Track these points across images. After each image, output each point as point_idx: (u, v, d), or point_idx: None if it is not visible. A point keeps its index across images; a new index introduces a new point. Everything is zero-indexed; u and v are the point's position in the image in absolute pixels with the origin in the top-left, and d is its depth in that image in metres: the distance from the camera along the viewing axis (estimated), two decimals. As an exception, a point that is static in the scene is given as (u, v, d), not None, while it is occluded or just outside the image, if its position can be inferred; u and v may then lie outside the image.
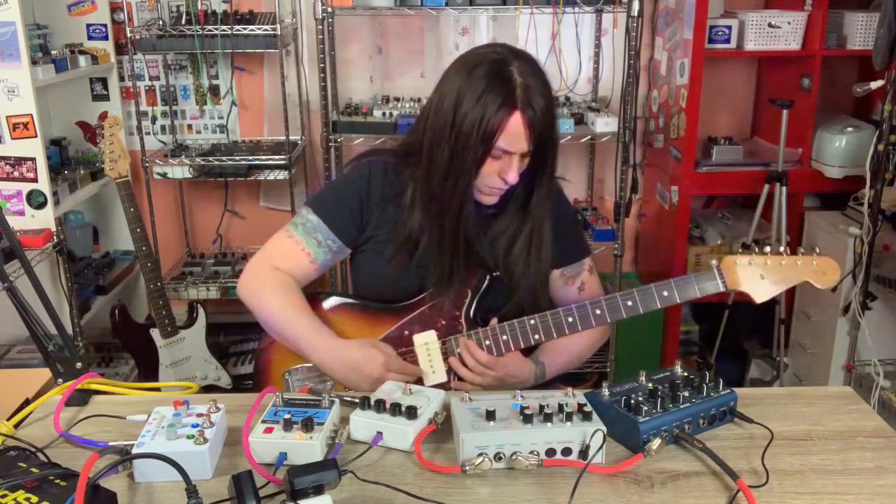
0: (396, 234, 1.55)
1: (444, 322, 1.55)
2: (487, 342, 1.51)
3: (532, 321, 1.49)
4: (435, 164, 1.48)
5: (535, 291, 1.60)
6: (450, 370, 1.53)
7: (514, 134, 1.40)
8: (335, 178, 1.67)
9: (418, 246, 1.54)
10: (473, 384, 1.50)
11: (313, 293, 1.67)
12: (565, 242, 1.64)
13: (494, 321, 1.53)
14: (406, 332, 1.55)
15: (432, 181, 1.49)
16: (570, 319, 1.47)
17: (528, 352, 1.57)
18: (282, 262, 1.59)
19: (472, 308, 1.56)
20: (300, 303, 1.55)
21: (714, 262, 1.44)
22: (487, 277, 1.56)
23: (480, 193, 1.51)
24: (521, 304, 1.59)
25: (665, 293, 1.43)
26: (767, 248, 1.41)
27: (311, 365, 1.54)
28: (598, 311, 1.46)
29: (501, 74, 1.41)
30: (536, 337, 1.49)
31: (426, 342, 1.53)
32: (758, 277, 1.40)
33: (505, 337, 1.50)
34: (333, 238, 1.58)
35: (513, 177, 1.45)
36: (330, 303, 1.62)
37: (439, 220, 1.51)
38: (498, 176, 1.46)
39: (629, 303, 1.44)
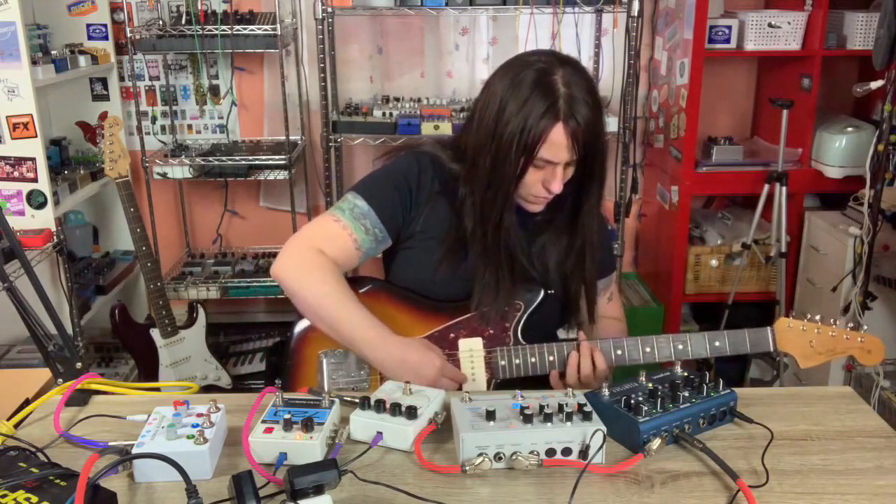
0: (447, 236, 1.53)
1: (491, 331, 1.52)
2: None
3: (647, 346, 1.48)
4: (478, 170, 1.46)
5: (594, 303, 1.61)
6: (491, 379, 1.51)
7: (557, 145, 1.39)
8: (382, 165, 1.61)
9: (467, 252, 1.52)
10: (568, 383, 1.48)
11: (355, 277, 1.62)
12: (603, 253, 1.65)
13: (581, 335, 1.52)
14: (452, 335, 1.52)
15: (475, 188, 1.48)
16: (648, 350, 1.49)
17: None
18: (328, 245, 1.49)
19: (523, 322, 1.53)
20: (350, 292, 1.47)
21: (769, 328, 1.48)
22: (542, 293, 1.54)
23: (525, 202, 1.50)
24: (571, 317, 1.60)
25: (717, 343, 1.47)
26: (818, 317, 1.45)
27: (347, 350, 1.51)
28: (679, 346, 1.48)
29: (545, 83, 1.38)
30: (648, 350, 1.49)
31: (471, 349, 1.51)
32: (807, 345, 1.45)
33: (619, 351, 1.49)
34: (381, 227, 1.52)
35: (557, 186, 1.43)
36: (376, 290, 1.57)
37: (483, 229, 1.49)
38: (542, 185, 1.45)
39: (679, 346, 1.48)
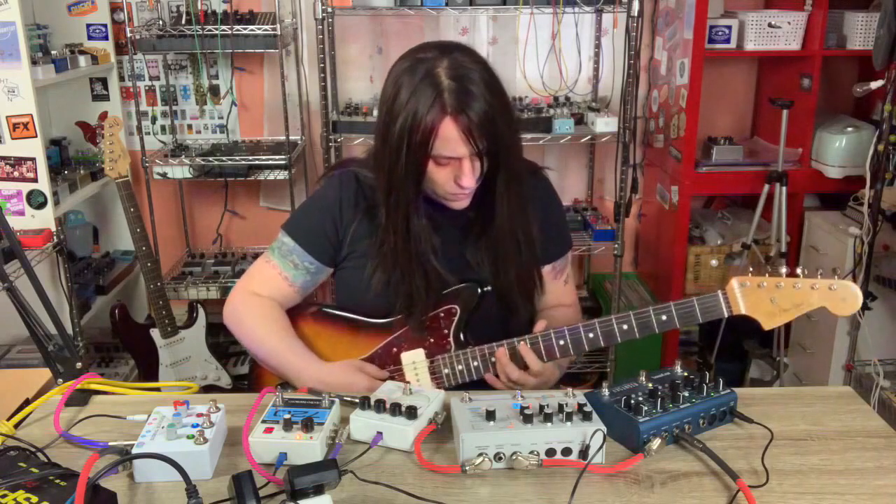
0: (372, 250, 1.51)
1: (431, 340, 1.51)
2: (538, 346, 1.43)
3: (591, 333, 1.38)
4: (380, 177, 1.44)
5: (531, 295, 1.57)
6: (439, 388, 1.48)
7: (449, 139, 1.33)
8: (308, 196, 1.62)
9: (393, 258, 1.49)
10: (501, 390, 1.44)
11: (302, 304, 1.64)
12: (554, 236, 1.61)
13: (541, 326, 1.43)
14: (394, 350, 1.52)
15: (382, 195, 1.45)
16: (625, 327, 1.37)
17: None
18: (261, 288, 1.58)
19: (463, 326, 1.50)
20: (282, 328, 1.54)
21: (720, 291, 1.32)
22: (478, 292, 1.50)
23: (446, 200, 1.45)
24: (520, 311, 1.55)
25: (664, 318, 1.34)
26: (783, 270, 1.27)
27: None
28: (624, 327, 1.37)
29: (429, 76, 1.33)
30: (591, 336, 1.39)
31: (414, 361, 1.51)
32: (768, 302, 1.28)
33: (562, 342, 1.40)
34: (310, 260, 1.55)
35: (467, 181, 1.37)
36: (318, 316, 1.59)
37: (393, 237, 1.45)
38: (454, 182, 1.40)
39: (625, 327, 1.37)
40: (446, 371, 1.49)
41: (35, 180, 2.62)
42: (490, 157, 1.39)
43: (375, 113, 3.05)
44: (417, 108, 1.32)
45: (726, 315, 1.32)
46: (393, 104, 1.37)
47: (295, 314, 1.59)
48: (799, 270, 1.28)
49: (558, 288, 1.65)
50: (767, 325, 1.30)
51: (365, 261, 1.53)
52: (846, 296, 1.26)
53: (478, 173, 1.41)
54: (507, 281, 1.51)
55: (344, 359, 1.51)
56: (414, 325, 1.51)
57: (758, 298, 1.29)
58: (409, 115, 1.33)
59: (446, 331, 1.51)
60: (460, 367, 1.48)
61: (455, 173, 1.39)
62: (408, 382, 1.42)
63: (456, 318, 1.50)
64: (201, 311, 2.96)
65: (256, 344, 1.55)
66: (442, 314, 1.51)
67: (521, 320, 1.58)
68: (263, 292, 1.57)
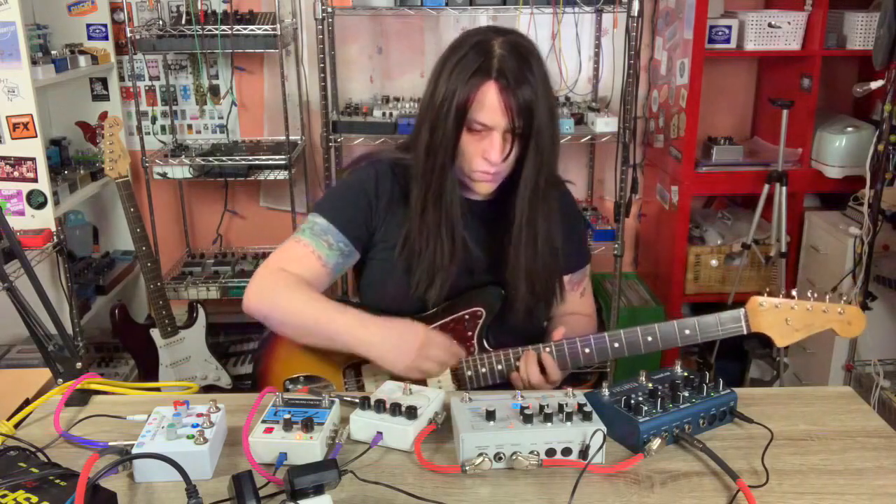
0: (404, 234, 1.48)
1: (455, 342, 1.48)
2: (548, 352, 1.43)
3: (615, 341, 1.41)
4: (419, 142, 1.42)
5: (551, 302, 1.56)
6: (458, 389, 1.48)
7: (488, 105, 1.33)
8: (339, 181, 1.57)
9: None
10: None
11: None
12: (574, 249, 1.60)
13: (560, 334, 1.44)
14: None
15: (418, 163, 1.43)
16: (616, 345, 1.41)
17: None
18: (291, 265, 1.47)
19: (486, 329, 1.49)
20: (321, 296, 1.44)
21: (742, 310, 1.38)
22: (503, 296, 1.49)
23: (470, 179, 1.44)
24: (539, 317, 1.55)
25: (687, 332, 1.39)
26: (794, 291, 1.37)
27: (312, 375, 1.50)
28: (615, 345, 1.41)
29: (480, 46, 1.35)
30: (617, 345, 1.41)
31: None
32: (783, 322, 1.36)
33: (588, 350, 1.42)
34: (345, 241, 1.49)
35: (494, 155, 1.36)
36: None
37: (423, 203, 1.43)
38: (482, 157, 1.38)
39: (649, 338, 1.41)
40: (469, 374, 1.47)
41: (35, 180, 2.62)
42: (523, 143, 1.38)
43: (377, 112, 3.10)
44: (463, 71, 1.34)
45: (745, 332, 1.39)
46: (441, 68, 1.38)
47: None
48: (810, 293, 1.37)
49: (574, 299, 1.64)
50: (781, 343, 1.38)
51: (390, 253, 1.50)
52: (852, 320, 1.35)
53: (507, 153, 1.38)
54: (539, 284, 1.50)
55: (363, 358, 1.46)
56: (451, 322, 1.48)
57: (774, 318, 1.37)
58: (454, 77, 1.35)
59: (470, 333, 1.49)
60: (483, 369, 1.47)
61: (484, 148, 1.38)
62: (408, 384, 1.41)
63: (481, 321, 1.49)
64: (201, 311, 2.96)
65: (292, 311, 1.43)
66: (467, 316, 1.49)
67: (538, 326, 1.59)
68: (294, 270, 1.46)
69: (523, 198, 1.43)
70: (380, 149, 1.64)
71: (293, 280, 1.45)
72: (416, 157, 1.45)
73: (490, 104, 1.34)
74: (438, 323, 1.49)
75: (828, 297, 1.36)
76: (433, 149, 1.40)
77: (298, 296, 1.43)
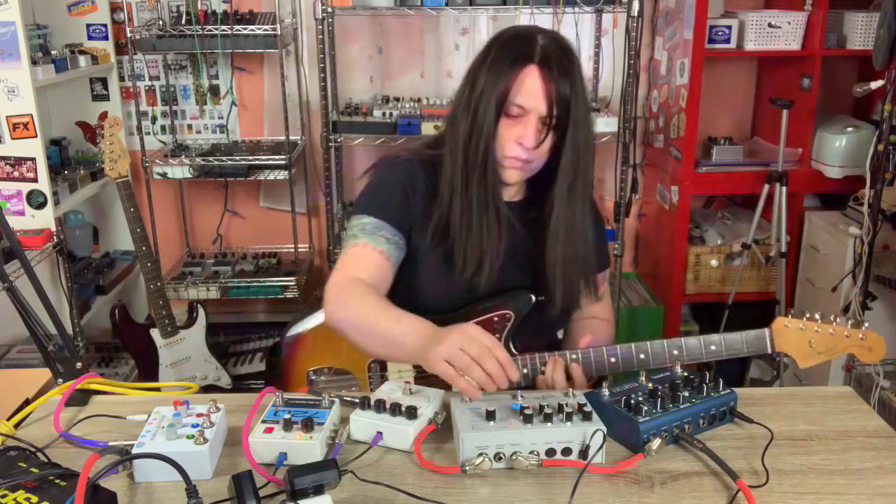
0: (439, 231, 1.46)
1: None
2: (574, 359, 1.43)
3: (612, 357, 1.42)
4: (457, 133, 1.42)
5: (577, 303, 1.55)
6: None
7: (528, 87, 1.34)
8: (373, 180, 1.54)
9: (449, 232, 1.44)
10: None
11: None
12: (597, 251, 1.59)
13: (586, 341, 1.44)
14: None
15: (456, 148, 1.42)
16: (642, 356, 1.42)
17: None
18: (360, 269, 1.42)
19: (514, 332, 1.49)
20: (390, 304, 1.37)
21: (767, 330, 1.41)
22: (532, 300, 1.49)
23: (501, 167, 1.43)
24: (565, 320, 1.56)
25: (713, 347, 1.41)
26: (818, 316, 1.39)
27: (337, 367, 1.49)
28: (642, 355, 1.41)
29: (522, 37, 1.38)
30: (643, 356, 1.42)
31: None
32: (806, 344, 1.39)
33: (613, 359, 1.42)
34: (398, 234, 1.46)
35: (529, 140, 1.36)
36: None
37: (467, 189, 1.42)
38: (515, 142, 1.38)
39: (675, 351, 1.42)
40: (544, 369, 1.45)
41: (35, 180, 2.62)
42: (557, 134, 1.38)
43: (377, 112, 3.10)
44: (506, 57, 1.36)
45: (769, 351, 1.41)
46: (482, 62, 1.39)
47: None
48: (833, 317, 1.40)
49: (590, 302, 1.64)
50: (802, 365, 1.40)
51: (424, 252, 1.48)
52: (873, 346, 1.38)
53: (541, 140, 1.38)
54: (568, 283, 1.49)
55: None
56: (483, 282, 1.44)
57: (798, 339, 1.40)
58: (495, 66, 1.36)
59: (498, 335, 1.48)
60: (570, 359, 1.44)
61: (519, 133, 1.37)
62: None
63: (509, 324, 1.48)
64: (201, 311, 2.96)
65: (360, 317, 1.35)
66: (496, 318, 1.48)
67: (562, 328, 1.61)
68: (364, 274, 1.41)
69: (561, 190, 1.43)
70: (399, 150, 1.59)
71: (366, 288, 1.39)
72: (452, 143, 1.43)
73: (530, 87, 1.35)
74: (468, 323, 1.47)
75: (850, 322, 1.39)
76: (475, 132, 1.39)
77: (368, 299, 1.37)
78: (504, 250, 1.46)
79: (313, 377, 1.50)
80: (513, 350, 1.49)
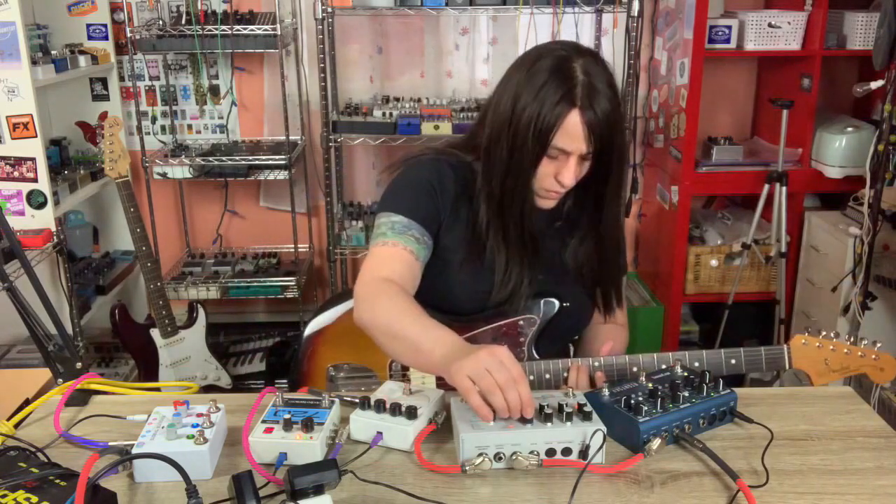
0: (467, 237, 1.47)
1: (506, 347, 1.45)
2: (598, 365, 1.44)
3: (663, 362, 1.42)
4: (494, 161, 1.42)
5: (610, 304, 1.58)
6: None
7: (572, 133, 1.34)
8: (399, 178, 1.53)
9: (486, 247, 1.47)
10: None
11: None
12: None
13: (608, 348, 1.46)
14: None
15: (492, 180, 1.43)
16: (697, 364, 1.43)
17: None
18: (387, 269, 1.40)
19: (538, 336, 1.50)
20: (420, 309, 1.34)
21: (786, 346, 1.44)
22: (557, 305, 1.50)
23: (537, 196, 1.45)
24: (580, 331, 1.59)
25: (733, 361, 1.42)
26: (833, 334, 1.42)
27: (357, 365, 1.49)
28: (696, 364, 1.42)
29: (563, 70, 1.34)
30: (634, 370, 1.43)
31: None
32: (822, 362, 1.42)
33: (635, 368, 1.43)
34: (427, 234, 1.45)
35: (568, 179, 1.37)
36: None
37: (502, 220, 1.45)
38: (554, 178, 1.40)
39: (696, 363, 1.43)
40: (566, 375, 1.45)
41: (35, 180, 2.62)
42: (601, 162, 1.40)
43: (377, 112, 3.10)
44: (547, 97, 1.33)
45: (787, 368, 1.43)
46: (521, 91, 1.36)
47: None
48: (849, 337, 1.44)
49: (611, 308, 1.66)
50: (817, 382, 1.43)
51: (452, 250, 1.49)
52: (885, 367, 1.41)
53: (580, 175, 1.41)
54: (603, 283, 1.54)
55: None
56: (504, 327, 1.48)
57: (815, 357, 1.42)
58: (538, 103, 1.34)
59: (522, 339, 1.49)
60: (532, 377, 1.44)
61: (558, 169, 1.39)
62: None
63: (534, 329, 1.49)
64: (201, 311, 2.96)
65: (388, 321, 1.32)
66: (522, 322, 1.49)
67: (579, 334, 1.63)
68: (393, 273, 1.39)
69: (610, 211, 1.48)
70: (428, 148, 1.59)
71: (397, 288, 1.37)
72: (488, 174, 1.44)
73: (574, 132, 1.34)
74: (493, 325, 1.49)
75: (863, 342, 1.42)
76: (514, 170, 1.40)
77: (398, 303, 1.34)
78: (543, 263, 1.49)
79: (332, 373, 1.50)
80: (535, 355, 1.49)
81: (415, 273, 1.42)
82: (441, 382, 1.42)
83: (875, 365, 1.40)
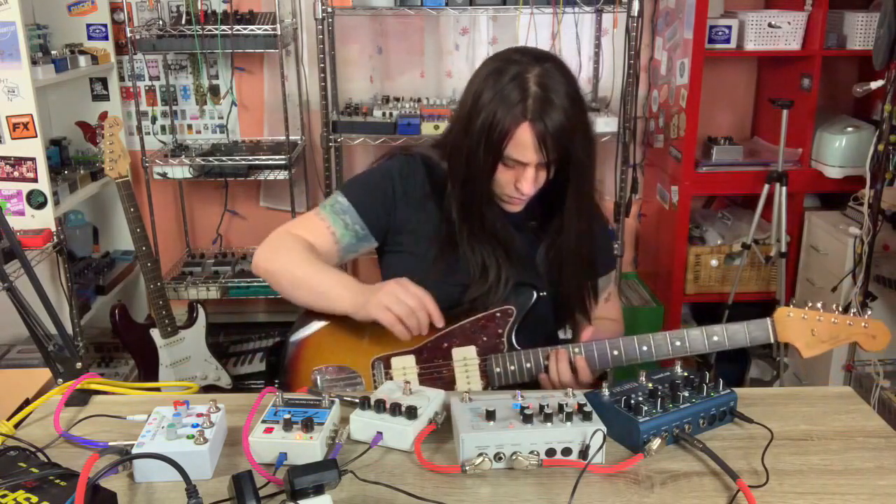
0: (438, 237, 1.52)
1: (485, 339, 1.50)
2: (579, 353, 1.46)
3: (616, 350, 1.45)
4: (455, 166, 1.48)
5: (585, 307, 1.60)
6: (487, 387, 1.48)
7: (522, 144, 1.38)
8: (369, 167, 1.65)
9: (458, 249, 1.51)
10: (547, 387, 1.47)
11: None
12: (600, 254, 1.63)
13: (588, 333, 1.48)
14: (445, 345, 1.50)
15: (456, 184, 1.48)
16: (645, 348, 1.44)
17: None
18: (304, 233, 1.54)
19: (516, 328, 1.51)
20: (320, 260, 1.50)
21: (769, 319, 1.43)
22: (534, 296, 1.52)
23: (501, 201, 1.50)
24: (571, 320, 1.60)
25: (715, 338, 1.43)
26: (820, 305, 1.40)
27: (342, 365, 1.51)
28: (644, 348, 1.43)
29: (517, 80, 1.37)
30: (645, 348, 1.44)
31: (465, 357, 1.49)
32: (808, 333, 1.40)
33: (616, 352, 1.45)
34: (361, 224, 1.54)
35: (527, 188, 1.42)
36: None
37: (468, 225, 1.49)
38: (514, 185, 1.43)
39: (677, 343, 1.43)
40: (497, 370, 1.48)
41: (35, 180, 2.62)
42: (558, 170, 1.44)
43: (377, 112, 3.10)
44: (499, 108, 1.37)
45: (772, 341, 1.42)
46: (477, 100, 1.41)
47: None
48: (835, 306, 1.41)
49: (600, 304, 1.67)
50: (806, 354, 1.41)
51: (425, 245, 1.53)
52: (877, 334, 1.39)
53: (540, 183, 1.44)
54: (566, 291, 1.56)
55: (393, 349, 1.49)
56: (482, 319, 1.50)
57: (801, 329, 1.40)
58: (490, 113, 1.38)
59: (500, 330, 1.50)
60: (512, 367, 1.48)
61: (517, 177, 1.43)
62: (402, 381, 1.42)
63: (511, 319, 1.50)
64: (201, 311, 2.96)
65: (292, 269, 1.48)
66: (498, 314, 1.50)
67: (553, 330, 1.63)
68: (305, 237, 1.54)
69: (570, 219, 1.49)
70: (418, 143, 1.70)
71: (302, 243, 1.51)
72: (453, 178, 1.50)
73: (524, 143, 1.38)
74: (471, 318, 1.51)
75: (852, 311, 1.40)
76: (471, 177, 1.45)
77: (300, 255, 1.49)
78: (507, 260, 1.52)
79: (316, 375, 1.52)
80: (515, 345, 1.50)
81: (328, 251, 1.54)
82: (426, 377, 1.49)
83: (866, 333, 1.38)
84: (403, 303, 1.37)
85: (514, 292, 1.52)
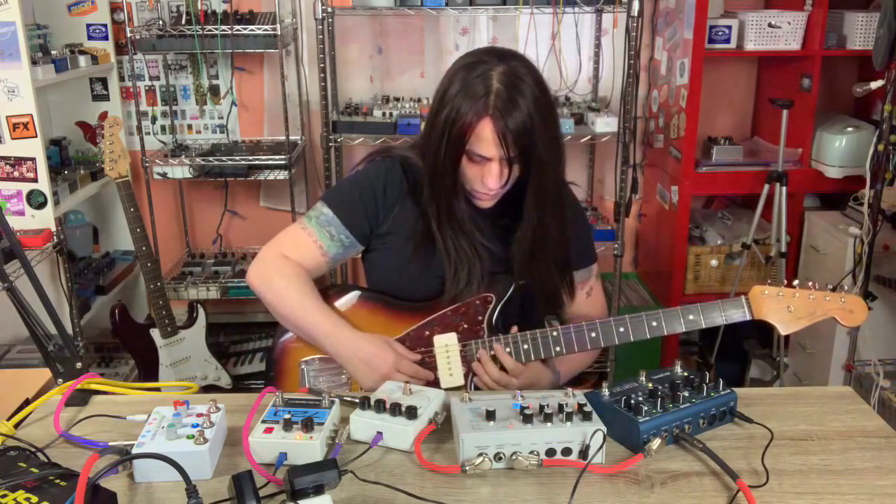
0: (416, 232, 1.55)
1: (465, 326, 1.53)
2: (508, 349, 1.49)
3: (555, 333, 1.48)
4: (426, 162, 1.51)
5: (553, 297, 1.61)
6: (468, 374, 1.52)
7: (484, 139, 1.39)
8: (350, 174, 1.68)
9: (435, 243, 1.54)
10: (491, 389, 1.50)
11: (333, 285, 1.67)
12: (576, 247, 1.63)
13: (515, 329, 1.52)
14: (426, 333, 1.54)
15: (426, 177, 1.51)
16: (594, 335, 1.46)
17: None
18: (293, 251, 1.59)
19: (496, 315, 1.54)
20: (312, 290, 1.55)
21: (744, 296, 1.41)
22: (512, 285, 1.54)
23: (472, 196, 1.52)
24: (541, 311, 1.61)
25: (691, 317, 1.42)
26: (796, 282, 1.39)
27: (327, 356, 1.54)
28: (621, 329, 1.45)
29: (482, 77, 1.40)
30: (558, 349, 1.48)
31: (446, 344, 1.52)
32: (785, 310, 1.39)
33: (526, 346, 1.49)
34: (346, 233, 1.57)
35: (492, 182, 1.43)
36: (351, 296, 1.60)
37: (439, 218, 1.52)
38: (481, 180, 1.45)
39: (654, 323, 1.44)
40: (478, 356, 1.52)
41: (35, 180, 2.62)
42: (522, 166, 1.45)
43: (377, 112, 3.10)
44: (463, 103, 1.40)
45: (748, 318, 1.41)
46: (444, 96, 1.44)
47: (328, 294, 1.60)
48: (811, 283, 1.40)
49: (581, 299, 1.69)
50: (784, 331, 1.40)
51: (403, 241, 1.57)
52: (854, 308, 1.37)
53: (506, 178, 1.45)
54: (538, 282, 1.58)
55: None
56: (458, 309, 1.53)
57: (777, 306, 1.40)
58: (453, 108, 1.41)
59: (480, 318, 1.54)
60: (492, 352, 1.51)
61: (483, 173, 1.44)
62: (394, 376, 1.44)
63: (490, 306, 1.54)
64: (201, 311, 2.97)
65: (285, 301, 1.54)
66: (478, 301, 1.53)
67: (539, 318, 1.66)
68: (294, 256, 1.58)
69: (529, 212, 1.51)
70: (393, 145, 1.71)
71: (291, 270, 1.56)
72: (425, 170, 1.52)
73: (486, 139, 1.40)
74: (450, 307, 1.53)
75: (829, 286, 1.39)
76: (439, 171, 1.47)
77: (295, 288, 1.54)
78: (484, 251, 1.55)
79: (304, 367, 1.56)
80: (497, 332, 1.54)
81: (317, 264, 1.59)
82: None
83: (843, 308, 1.37)
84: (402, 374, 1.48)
85: (492, 282, 1.55)
